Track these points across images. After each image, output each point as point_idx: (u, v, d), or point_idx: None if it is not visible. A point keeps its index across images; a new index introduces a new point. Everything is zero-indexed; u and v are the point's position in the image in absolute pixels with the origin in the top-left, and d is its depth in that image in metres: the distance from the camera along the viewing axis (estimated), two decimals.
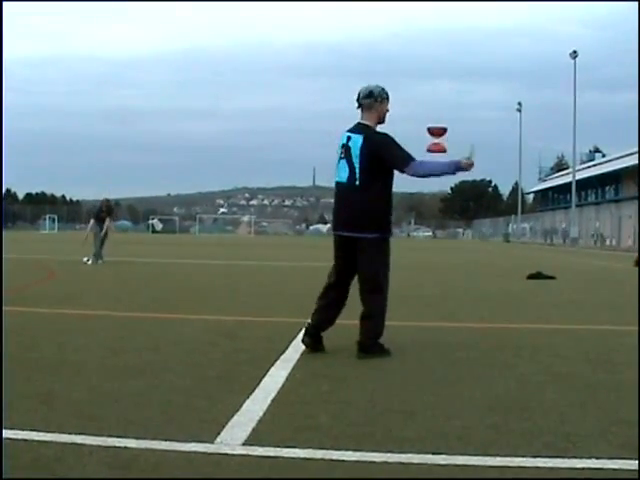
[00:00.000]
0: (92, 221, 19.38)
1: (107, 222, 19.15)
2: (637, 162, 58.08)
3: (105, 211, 19.48)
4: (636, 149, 58.34)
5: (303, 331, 6.19)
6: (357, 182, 5.96)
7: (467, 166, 5.92)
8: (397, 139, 5.98)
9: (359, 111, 6.13)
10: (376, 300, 6.06)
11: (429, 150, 6.17)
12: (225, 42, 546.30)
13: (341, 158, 6.06)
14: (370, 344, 5.99)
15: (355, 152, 5.95)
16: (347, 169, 6.01)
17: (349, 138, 6.03)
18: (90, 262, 18.29)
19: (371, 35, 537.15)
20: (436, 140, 6.19)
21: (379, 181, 6.00)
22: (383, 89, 6.10)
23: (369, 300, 6.06)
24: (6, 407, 4.07)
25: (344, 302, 6.20)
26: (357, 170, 5.94)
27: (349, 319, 6.34)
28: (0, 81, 8.89)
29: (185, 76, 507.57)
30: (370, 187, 5.95)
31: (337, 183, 6.14)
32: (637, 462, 3.33)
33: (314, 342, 6.09)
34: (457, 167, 5.95)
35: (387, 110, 6.14)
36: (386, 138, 5.98)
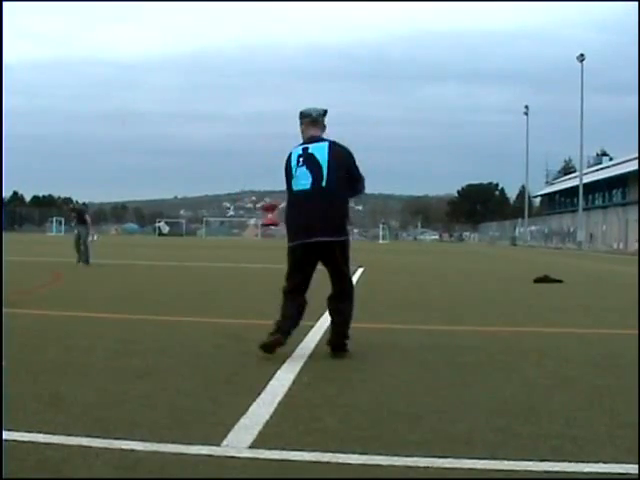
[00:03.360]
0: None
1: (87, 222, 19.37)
2: (639, 166, 57.99)
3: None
4: None
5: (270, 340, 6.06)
6: (324, 184, 5.93)
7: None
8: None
9: (305, 131, 6.22)
10: (350, 303, 6.21)
11: (264, 225, 6.64)
12: (232, 45, 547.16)
13: (299, 167, 6.01)
14: (344, 343, 6.12)
15: (322, 157, 5.96)
16: (309, 175, 5.96)
17: (306, 149, 6.06)
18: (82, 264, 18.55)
19: (378, 38, 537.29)
20: (269, 215, 6.64)
21: (343, 185, 6.07)
22: (322, 109, 6.31)
23: (345, 303, 6.16)
24: (13, 409, 4.07)
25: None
26: (324, 173, 5.93)
27: (353, 322, 6.34)
28: (0, 83, 8.91)
29: (192, 79, 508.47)
30: (338, 189, 6.00)
31: (296, 192, 6.04)
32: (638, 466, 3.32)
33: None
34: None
35: (303, 130, 6.28)
36: (350, 153, 6.19)
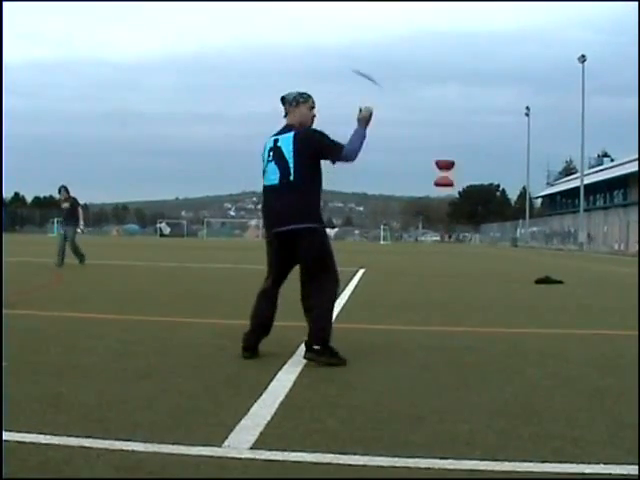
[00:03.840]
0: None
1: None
2: (639, 168, 58.00)
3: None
4: None
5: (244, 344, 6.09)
6: (291, 178, 5.87)
7: (365, 117, 5.95)
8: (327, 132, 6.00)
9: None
10: (327, 297, 6.06)
11: (437, 184, 6.22)
12: (233, 46, 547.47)
13: (269, 161, 5.98)
14: (316, 346, 5.89)
15: (287, 149, 5.90)
16: (277, 170, 5.92)
17: (276, 141, 6.00)
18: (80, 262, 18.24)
19: (379, 39, 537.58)
20: (444, 174, 6.23)
21: (311, 177, 5.97)
22: (299, 93, 6.09)
23: (321, 298, 5.99)
24: (14, 410, 4.08)
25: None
26: (291, 167, 5.87)
27: (354, 323, 6.34)
28: (0, 84, 8.92)
29: (193, 80, 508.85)
30: (306, 182, 5.90)
31: (266, 187, 6.02)
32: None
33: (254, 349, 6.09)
34: (362, 125, 5.97)
35: (310, 112, 6.09)
36: (315, 131, 6.00)
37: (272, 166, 5.95)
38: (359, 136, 5.95)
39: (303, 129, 5.98)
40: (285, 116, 6.10)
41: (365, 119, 5.93)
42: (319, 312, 5.91)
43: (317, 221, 5.96)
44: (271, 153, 5.97)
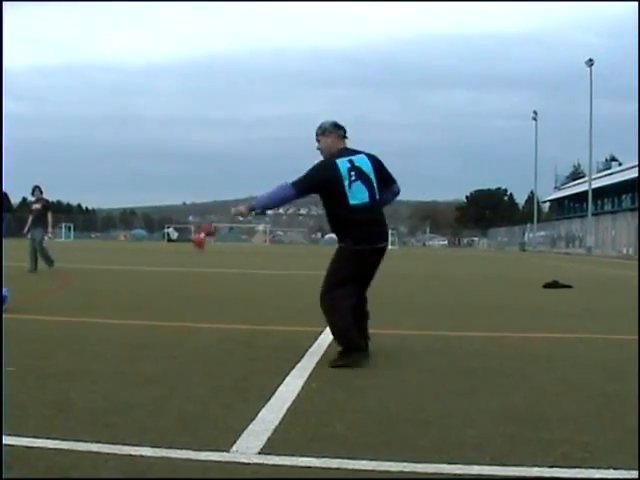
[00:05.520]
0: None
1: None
2: (638, 172, 57.88)
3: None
4: None
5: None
6: (377, 197, 6.19)
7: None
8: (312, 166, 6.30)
9: (334, 143, 6.30)
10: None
11: (193, 240, 6.56)
12: (240, 51, 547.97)
13: (353, 181, 6.08)
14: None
15: (368, 170, 6.16)
16: (365, 189, 6.11)
17: (352, 162, 6.13)
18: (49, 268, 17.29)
19: (386, 44, 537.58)
20: (202, 235, 6.66)
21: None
22: (320, 126, 6.32)
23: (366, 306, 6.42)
24: (22, 415, 4.09)
25: None
26: (375, 186, 6.17)
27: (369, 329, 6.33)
28: (0, 87, 8.95)
29: (200, 85, 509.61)
30: (381, 201, 6.36)
31: (356, 205, 6.08)
32: None
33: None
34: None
35: (328, 144, 6.27)
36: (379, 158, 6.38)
37: (359, 185, 6.11)
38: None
39: (370, 154, 6.32)
40: (337, 139, 6.30)
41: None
42: (368, 317, 6.38)
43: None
44: (352, 173, 6.10)
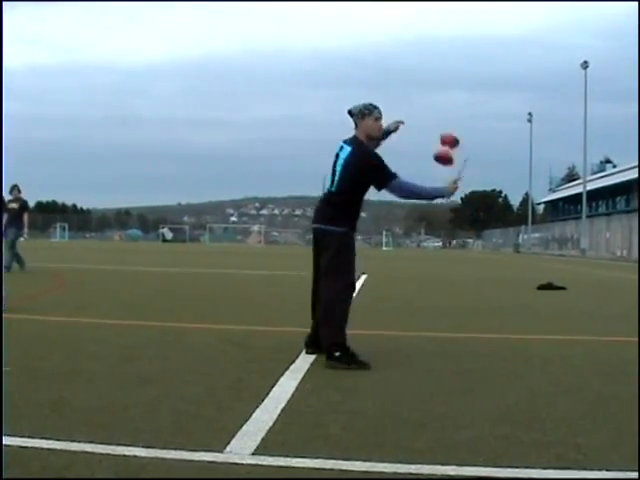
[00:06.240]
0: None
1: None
2: (638, 173, 57.99)
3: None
4: None
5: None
6: (333, 189, 6.17)
7: (450, 192, 6.25)
8: (383, 158, 6.16)
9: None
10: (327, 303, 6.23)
11: (436, 157, 6.07)
12: (237, 52, 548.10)
13: (332, 168, 6.26)
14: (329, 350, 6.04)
15: (340, 162, 6.16)
16: (329, 177, 6.24)
17: (341, 148, 6.24)
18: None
19: (384, 45, 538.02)
20: (446, 148, 6.06)
21: (351, 191, 6.16)
22: (365, 106, 6.21)
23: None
24: (16, 415, 4.08)
25: None
26: (336, 178, 6.14)
27: (357, 329, 6.34)
28: (0, 87, 8.91)
29: (197, 85, 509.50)
30: (342, 194, 6.13)
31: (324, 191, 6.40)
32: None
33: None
34: (439, 194, 6.29)
35: (373, 125, 6.20)
36: (371, 155, 6.14)
37: (330, 174, 6.25)
38: (422, 192, 6.29)
39: (362, 150, 6.13)
40: (355, 128, 6.26)
41: (444, 194, 6.28)
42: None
43: (338, 224, 6.10)
44: (334, 160, 6.24)
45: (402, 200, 6.92)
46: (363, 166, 6.08)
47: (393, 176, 6.10)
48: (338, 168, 6.15)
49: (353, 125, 6.24)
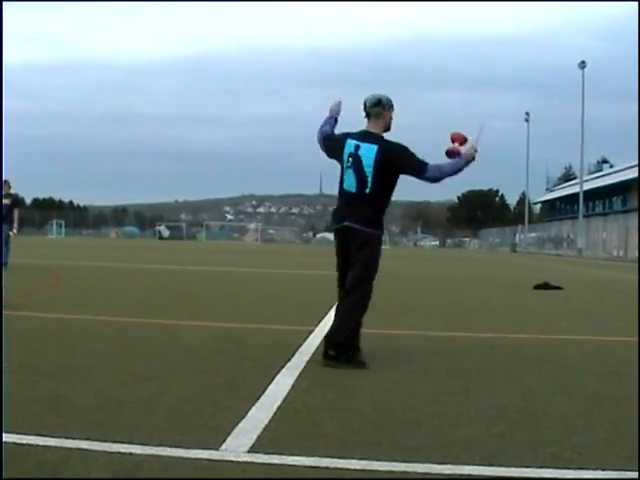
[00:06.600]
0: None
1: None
2: (639, 173, 58.02)
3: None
4: None
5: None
6: (367, 191, 6.01)
7: (471, 157, 6.11)
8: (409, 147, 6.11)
9: (365, 120, 6.18)
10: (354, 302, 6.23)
11: (447, 152, 6.17)
12: (234, 50, 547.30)
13: (347, 167, 6.06)
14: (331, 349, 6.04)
15: (368, 162, 5.98)
16: (355, 179, 6.02)
17: (357, 148, 6.04)
18: None
19: (381, 44, 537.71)
20: (456, 145, 6.19)
21: (386, 190, 6.12)
22: (389, 98, 6.19)
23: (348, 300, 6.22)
24: (12, 411, 4.07)
25: None
26: (369, 180, 5.99)
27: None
28: (0, 85, 8.90)
29: (194, 83, 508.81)
30: (379, 196, 6.06)
31: (345, 191, 6.12)
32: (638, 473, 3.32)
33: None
34: (465, 164, 6.13)
35: (392, 118, 6.21)
36: (402, 147, 6.07)
37: (350, 173, 6.06)
38: (455, 166, 6.14)
39: (390, 142, 6.08)
40: (368, 117, 6.16)
41: (468, 159, 6.09)
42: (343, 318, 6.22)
43: (376, 227, 6.09)
44: (350, 160, 6.06)
45: (397, 198, 6.87)
46: (399, 162, 6.03)
47: (425, 161, 6.06)
48: (368, 170, 5.98)
49: (367, 117, 6.14)
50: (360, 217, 6.02)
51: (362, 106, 6.17)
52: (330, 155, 6.31)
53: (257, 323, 8.60)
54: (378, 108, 6.10)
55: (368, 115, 6.15)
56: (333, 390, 5.03)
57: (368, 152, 5.99)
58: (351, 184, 6.05)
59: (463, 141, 6.20)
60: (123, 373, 5.36)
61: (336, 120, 6.50)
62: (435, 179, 6.11)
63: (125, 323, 8.32)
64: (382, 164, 5.96)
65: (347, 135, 6.18)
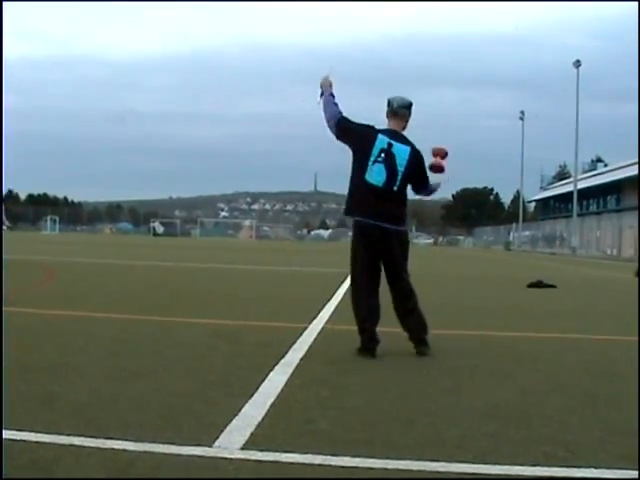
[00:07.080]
0: None
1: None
2: (638, 172, 58.12)
3: None
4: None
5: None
6: (395, 189, 6.21)
7: (438, 188, 6.63)
8: None
9: (387, 119, 6.38)
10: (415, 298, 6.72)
11: (429, 167, 6.41)
12: (229, 47, 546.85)
13: (378, 161, 6.18)
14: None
15: (401, 162, 6.19)
16: (385, 174, 6.17)
17: (390, 145, 6.20)
18: None
19: (376, 42, 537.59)
20: (438, 159, 6.44)
21: (405, 189, 6.39)
22: (410, 102, 6.46)
23: (411, 300, 6.69)
24: (5, 408, 4.06)
25: None
26: (399, 179, 6.19)
27: (347, 325, 6.34)
28: (0, 83, 8.89)
29: (191, 81, 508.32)
30: (404, 194, 6.35)
31: (368, 183, 6.20)
32: (637, 472, 3.32)
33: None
34: (436, 188, 6.66)
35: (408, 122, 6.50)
36: (422, 157, 6.40)
37: (381, 168, 6.17)
38: (437, 187, 6.62)
39: (416, 148, 6.33)
40: (388, 117, 6.37)
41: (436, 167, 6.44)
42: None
43: (403, 224, 6.40)
44: (382, 154, 6.18)
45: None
46: (421, 169, 6.37)
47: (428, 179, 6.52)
48: (400, 169, 6.19)
49: (393, 116, 6.34)
50: (394, 215, 6.26)
51: (386, 104, 6.37)
52: (341, 138, 6.39)
53: (251, 320, 8.60)
54: (406, 110, 6.37)
55: (395, 114, 6.35)
56: (326, 387, 5.03)
57: (402, 152, 6.20)
58: (379, 178, 6.17)
59: (444, 155, 6.49)
60: (116, 370, 5.35)
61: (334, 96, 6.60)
62: (425, 194, 6.68)
63: (119, 320, 8.31)
64: (412, 166, 6.23)
65: (377, 130, 6.30)
